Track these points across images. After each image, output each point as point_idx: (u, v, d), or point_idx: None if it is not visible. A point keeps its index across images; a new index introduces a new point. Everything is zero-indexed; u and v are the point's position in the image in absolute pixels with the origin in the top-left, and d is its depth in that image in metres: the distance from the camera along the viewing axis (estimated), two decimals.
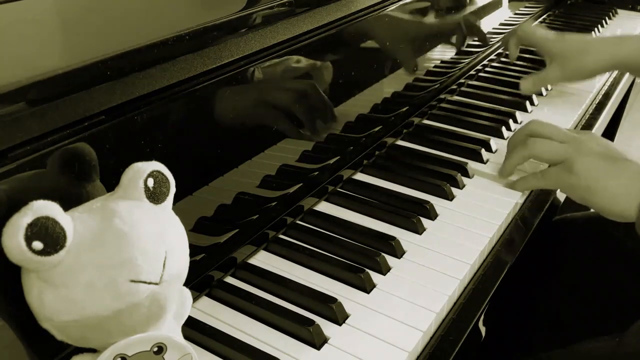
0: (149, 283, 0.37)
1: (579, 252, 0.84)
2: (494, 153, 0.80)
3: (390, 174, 0.74)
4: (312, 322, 0.51)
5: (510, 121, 0.88)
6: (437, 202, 0.68)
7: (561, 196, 0.80)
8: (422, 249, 0.62)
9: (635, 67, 0.87)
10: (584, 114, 0.95)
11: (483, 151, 0.79)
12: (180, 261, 0.40)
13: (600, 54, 0.86)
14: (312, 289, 0.55)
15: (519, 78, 0.97)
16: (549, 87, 1.00)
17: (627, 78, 1.09)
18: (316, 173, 0.67)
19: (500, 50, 1.11)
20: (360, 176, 0.74)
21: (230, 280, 0.57)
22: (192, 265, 0.42)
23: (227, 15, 0.51)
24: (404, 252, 0.61)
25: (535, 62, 1.05)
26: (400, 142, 0.82)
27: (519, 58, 1.07)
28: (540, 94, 0.97)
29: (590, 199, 0.66)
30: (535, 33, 0.92)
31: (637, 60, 0.85)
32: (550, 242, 0.87)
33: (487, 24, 1.06)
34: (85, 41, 0.46)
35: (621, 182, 0.64)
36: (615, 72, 1.08)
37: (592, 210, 0.74)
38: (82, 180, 0.41)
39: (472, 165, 0.76)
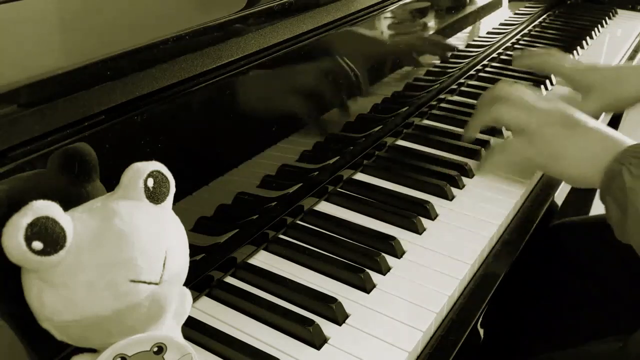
0: (149, 283, 0.37)
1: (578, 257, 0.84)
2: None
3: (390, 174, 0.74)
4: (312, 322, 0.51)
5: None
6: (437, 202, 0.68)
7: (559, 200, 0.80)
8: (422, 249, 0.62)
9: None
10: None
11: (483, 151, 0.79)
12: (180, 261, 0.40)
13: (636, 81, 0.84)
14: (312, 289, 0.55)
15: (519, 78, 0.97)
16: (550, 87, 1.00)
17: None
18: (316, 173, 0.67)
19: (500, 50, 1.11)
20: (360, 176, 0.74)
21: (230, 280, 0.57)
22: (192, 265, 0.42)
23: (227, 15, 0.51)
24: (404, 252, 0.61)
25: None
26: (400, 142, 0.82)
27: None
28: (539, 94, 0.97)
29: (553, 167, 0.67)
30: (563, 68, 0.90)
31: None
32: (548, 246, 0.87)
33: (487, 24, 1.06)
34: (85, 41, 0.46)
35: (582, 147, 0.64)
36: None
37: (590, 214, 0.75)
38: (82, 180, 0.41)
39: (472, 165, 0.76)
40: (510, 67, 1.05)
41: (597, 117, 0.88)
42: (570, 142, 0.65)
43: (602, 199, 0.62)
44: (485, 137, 0.82)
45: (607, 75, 0.86)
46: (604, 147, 0.63)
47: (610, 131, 0.66)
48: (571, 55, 0.96)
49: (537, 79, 1.00)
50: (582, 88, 0.88)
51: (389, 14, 0.75)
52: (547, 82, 0.99)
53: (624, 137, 0.65)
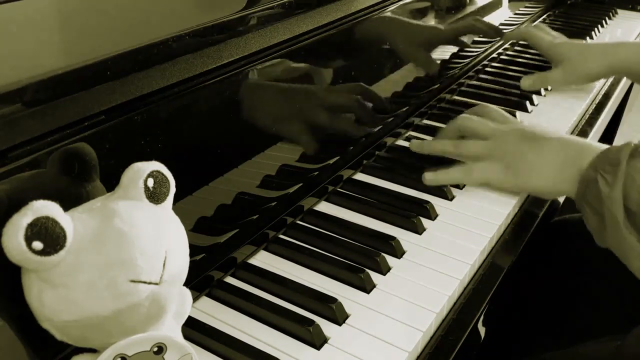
0: (149, 283, 0.37)
1: (579, 254, 0.84)
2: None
3: (390, 174, 0.74)
4: (312, 322, 0.51)
5: None
6: (437, 202, 0.68)
7: (560, 197, 0.80)
8: (422, 249, 0.62)
9: (632, 72, 0.90)
10: (584, 114, 0.95)
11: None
12: (180, 261, 0.40)
13: (602, 58, 0.89)
14: (312, 289, 0.55)
15: (519, 78, 0.97)
16: (549, 87, 1.00)
17: (626, 79, 1.09)
18: (316, 173, 0.67)
19: (500, 50, 1.11)
20: (360, 176, 0.74)
21: (230, 280, 0.57)
22: (192, 265, 0.42)
23: (227, 15, 0.51)
24: (404, 252, 0.61)
25: (534, 67, 1.04)
26: (400, 142, 0.82)
27: (519, 59, 1.07)
28: (539, 94, 0.97)
29: (524, 184, 0.68)
30: (542, 39, 0.96)
31: (633, 65, 0.89)
32: (549, 243, 0.87)
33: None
34: (85, 41, 0.46)
35: (547, 158, 0.65)
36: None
37: None
38: (82, 180, 0.41)
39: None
40: (511, 67, 1.05)
41: (559, 86, 0.97)
42: (535, 155, 0.66)
43: (579, 206, 0.63)
44: None
45: (575, 50, 0.92)
46: (572, 155, 0.64)
47: (573, 137, 0.68)
48: (555, 32, 1.00)
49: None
50: (553, 60, 0.95)
51: (389, 14, 0.75)
52: (527, 103, 0.97)
53: (589, 142, 0.66)
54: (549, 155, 0.65)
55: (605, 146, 0.63)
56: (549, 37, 0.96)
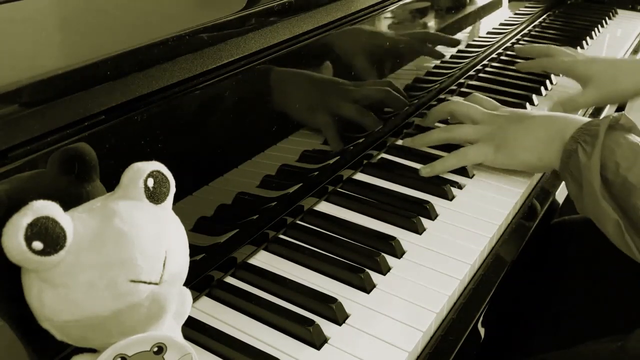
0: (149, 283, 0.37)
1: (578, 255, 0.84)
2: None
3: (390, 174, 0.74)
4: (312, 322, 0.51)
5: None
6: (437, 202, 0.68)
7: (560, 198, 0.80)
8: (422, 249, 0.62)
9: None
10: (584, 114, 0.95)
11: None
12: (180, 261, 0.40)
13: (634, 75, 0.86)
14: (312, 289, 0.55)
15: (519, 78, 0.97)
16: (549, 87, 1.00)
17: None
18: (316, 173, 0.67)
19: (500, 50, 1.11)
20: (360, 176, 0.74)
21: (230, 280, 0.57)
22: (192, 265, 0.42)
23: (227, 15, 0.51)
24: (404, 252, 0.61)
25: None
26: (400, 142, 0.82)
27: (520, 59, 1.07)
28: (539, 94, 0.97)
29: (513, 160, 0.71)
30: (562, 62, 0.93)
31: None
32: (549, 244, 0.87)
33: (487, 24, 1.06)
34: (85, 41, 0.46)
35: (534, 133, 0.69)
36: None
37: None
38: (82, 180, 0.41)
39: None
40: (510, 67, 1.05)
41: (594, 108, 0.93)
42: (523, 132, 0.70)
43: (562, 177, 0.67)
44: None
45: (605, 67, 0.88)
46: (557, 129, 0.67)
47: (558, 114, 0.71)
48: (569, 49, 0.98)
49: (538, 79, 1.00)
50: (580, 79, 0.90)
51: (389, 14, 0.75)
52: (547, 82, 0.99)
53: (572, 116, 0.69)
54: (535, 131, 0.69)
55: (586, 119, 0.66)
56: (567, 58, 0.92)
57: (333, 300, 0.53)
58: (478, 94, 0.83)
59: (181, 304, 0.44)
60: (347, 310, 0.54)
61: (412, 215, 0.65)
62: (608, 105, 0.94)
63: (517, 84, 0.97)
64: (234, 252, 0.58)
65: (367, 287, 0.56)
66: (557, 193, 0.77)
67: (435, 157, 0.77)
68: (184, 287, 0.44)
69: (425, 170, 0.72)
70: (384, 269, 0.58)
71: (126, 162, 0.40)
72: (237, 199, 0.57)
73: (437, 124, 0.83)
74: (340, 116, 0.70)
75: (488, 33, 1.07)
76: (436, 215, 0.67)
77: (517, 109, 0.76)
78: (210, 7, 0.56)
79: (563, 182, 0.78)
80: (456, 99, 0.81)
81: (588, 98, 0.88)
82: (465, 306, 0.57)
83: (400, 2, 0.77)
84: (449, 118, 0.82)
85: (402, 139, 0.83)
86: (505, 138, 0.71)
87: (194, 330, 0.50)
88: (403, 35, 0.80)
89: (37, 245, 0.34)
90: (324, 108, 0.68)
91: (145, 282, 0.37)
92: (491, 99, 0.80)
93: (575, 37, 1.20)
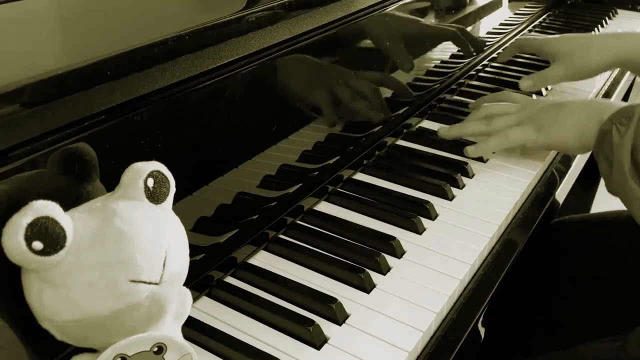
0: (149, 283, 0.37)
1: (578, 254, 0.84)
2: (494, 153, 0.80)
3: (390, 174, 0.74)
4: (312, 322, 0.51)
5: None
6: (437, 202, 0.68)
7: (560, 198, 0.80)
8: (422, 249, 0.62)
9: (637, 64, 0.87)
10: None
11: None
12: (180, 261, 0.40)
13: (604, 50, 0.86)
14: (312, 289, 0.55)
15: (519, 78, 0.97)
16: (549, 87, 1.00)
17: (627, 77, 1.09)
18: (316, 173, 0.67)
19: (500, 50, 1.11)
20: (360, 176, 0.74)
21: (230, 280, 0.57)
22: (192, 265, 0.42)
23: (227, 15, 0.51)
24: (404, 252, 0.61)
25: (534, 67, 1.04)
26: (400, 142, 0.82)
27: (519, 59, 1.07)
28: (540, 94, 0.97)
29: (553, 141, 0.73)
30: (535, 39, 0.95)
31: (636, 58, 0.86)
32: (549, 244, 0.87)
33: (487, 24, 1.06)
34: (85, 41, 0.46)
35: (574, 115, 0.71)
36: (616, 72, 1.08)
37: (591, 212, 0.76)
38: (82, 180, 0.41)
39: (472, 164, 0.76)
40: (511, 67, 1.05)
41: (558, 83, 0.96)
42: (563, 114, 0.72)
43: (595, 156, 0.68)
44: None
45: (574, 43, 0.88)
46: (595, 111, 0.69)
47: (597, 98, 0.74)
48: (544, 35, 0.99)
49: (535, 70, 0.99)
50: (549, 55, 0.91)
51: (389, 14, 0.75)
52: (534, 97, 0.98)
53: (610, 100, 0.72)
54: (575, 113, 0.71)
55: (625, 103, 0.67)
56: (542, 36, 0.95)
57: (333, 300, 0.53)
58: (507, 91, 0.85)
59: (181, 304, 0.44)
60: (347, 310, 0.53)
61: (412, 215, 0.65)
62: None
63: (517, 83, 0.97)
64: (234, 252, 0.58)
65: (367, 287, 0.56)
66: (557, 193, 0.77)
67: (436, 157, 0.78)
68: (184, 287, 0.44)
69: (470, 150, 0.75)
70: (384, 269, 0.58)
71: (126, 162, 0.40)
72: (237, 199, 0.57)
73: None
74: (341, 114, 0.70)
75: (488, 33, 1.07)
76: (436, 215, 0.67)
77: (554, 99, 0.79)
78: (210, 7, 0.56)
79: (563, 182, 0.78)
80: (484, 102, 0.82)
81: (558, 73, 0.89)
82: (465, 306, 0.57)
83: (400, 2, 0.77)
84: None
85: (402, 139, 0.83)
86: (546, 119, 0.73)
87: (194, 330, 0.50)
88: (403, 35, 0.80)
89: (37, 245, 0.34)
90: (325, 107, 0.68)
91: (145, 282, 0.37)
92: (522, 95, 0.82)
93: None
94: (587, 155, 0.87)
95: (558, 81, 0.93)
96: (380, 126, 0.77)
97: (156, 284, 0.38)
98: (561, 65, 0.88)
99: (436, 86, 0.90)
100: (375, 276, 0.57)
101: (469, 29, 0.99)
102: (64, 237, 0.35)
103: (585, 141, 0.69)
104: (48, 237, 0.34)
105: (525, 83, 0.91)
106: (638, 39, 0.87)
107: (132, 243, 0.37)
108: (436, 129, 0.80)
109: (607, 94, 1.01)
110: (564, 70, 0.88)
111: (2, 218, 0.34)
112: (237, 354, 0.49)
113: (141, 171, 0.39)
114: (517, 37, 0.99)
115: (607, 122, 0.65)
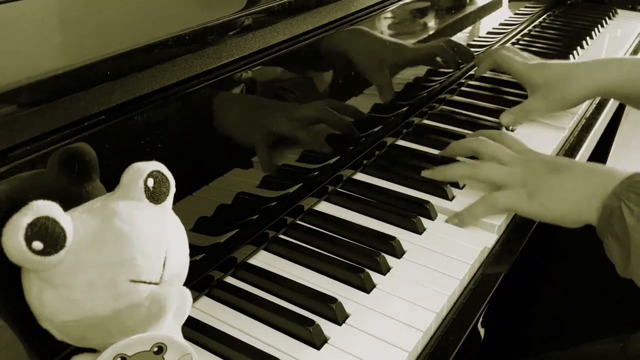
0: (149, 283, 0.37)
1: (579, 255, 0.84)
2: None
3: (390, 174, 0.74)
4: (312, 322, 0.51)
5: None
6: (437, 202, 0.68)
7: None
8: (422, 249, 0.62)
9: (620, 93, 0.84)
10: (584, 114, 0.95)
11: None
12: (180, 261, 0.40)
13: (585, 80, 0.83)
14: (312, 289, 0.55)
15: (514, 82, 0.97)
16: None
17: (612, 103, 1.06)
18: (316, 173, 0.67)
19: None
20: (360, 176, 0.74)
21: (230, 280, 0.57)
22: (192, 265, 0.42)
23: (227, 15, 0.51)
24: (404, 252, 0.61)
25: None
26: (400, 142, 0.82)
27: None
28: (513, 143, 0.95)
29: (547, 215, 0.65)
30: (514, 62, 0.89)
31: (622, 86, 0.82)
32: (548, 246, 0.87)
33: (487, 24, 1.06)
34: (85, 41, 0.46)
35: (573, 188, 0.63)
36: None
37: None
38: (82, 180, 0.41)
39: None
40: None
41: (542, 116, 0.87)
42: (560, 183, 0.64)
43: (600, 235, 0.61)
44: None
45: (554, 73, 0.84)
46: (595, 182, 0.61)
47: (596, 165, 0.65)
48: (525, 53, 0.94)
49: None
50: (528, 85, 0.87)
51: (389, 14, 0.75)
52: None
53: (613, 168, 0.63)
54: (573, 183, 0.63)
55: (629, 172, 0.60)
56: (521, 59, 0.89)
57: (333, 300, 0.53)
58: (506, 133, 0.77)
59: (181, 304, 0.44)
60: (347, 310, 0.54)
61: (412, 215, 0.65)
62: (600, 122, 0.91)
63: (516, 84, 0.97)
64: (234, 252, 0.58)
65: (367, 287, 0.56)
66: None
67: (436, 157, 0.77)
68: (184, 287, 0.44)
69: (453, 221, 0.66)
70: (384, 269, 0.58)
71: (126, 162, 0.40)
72: (237, 199, 0.57)
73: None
74: (343, 115, 0.70)
75: (488, 33, 1.07)
76: (436, 215, 0.67)
77: (550, 155, 0.69)
78: (210, 7, 0.56)
79: None
80: (482, 136, 0.74)
81: (539, 106, 0.85)
82: (465, 306, 0.57)
83: (401, 2, 0.77)
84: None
85: (402, 139, 0.83)
86: (540, 187, 0.64)
87: (194, 330, 0.50)
88: (403, 35, 0.80)
89: (37, 245, 0.34)
90: (325, 105, 0.68)
91: (145, 282, 0.37)
92: (520, 141, 0.73)
93: (575, 37, 1.20)
94: (587, 155, 0.87)
95: (540, 115, 0.88)
96: (380, 126, 0.77)
97: (156, 284, 0.38)
98: (541, 97, 0.85)
99: (436, 86, 0.90)
100: (375, 276, 0.57)
101: (468, 29, 0.99)
102: (64, 237, 0.35)
103: (585, 216, 0.62)
104: (48, 237, 0.34)
105: (506, 118, 0.86)
106: (619, 66, 0.83)
107: (132, 243, 0.37)
108: (435, 128, 0.80)
109: (593, 117, 0.99)
110: (545, 103, 0.85)
111: (2, 218, 0.34)
112: (237, 354, 0.49)
113: (141, 171, 0.39)
114: (498, 45, 0.94)
115: (612, 197, 0.58)
